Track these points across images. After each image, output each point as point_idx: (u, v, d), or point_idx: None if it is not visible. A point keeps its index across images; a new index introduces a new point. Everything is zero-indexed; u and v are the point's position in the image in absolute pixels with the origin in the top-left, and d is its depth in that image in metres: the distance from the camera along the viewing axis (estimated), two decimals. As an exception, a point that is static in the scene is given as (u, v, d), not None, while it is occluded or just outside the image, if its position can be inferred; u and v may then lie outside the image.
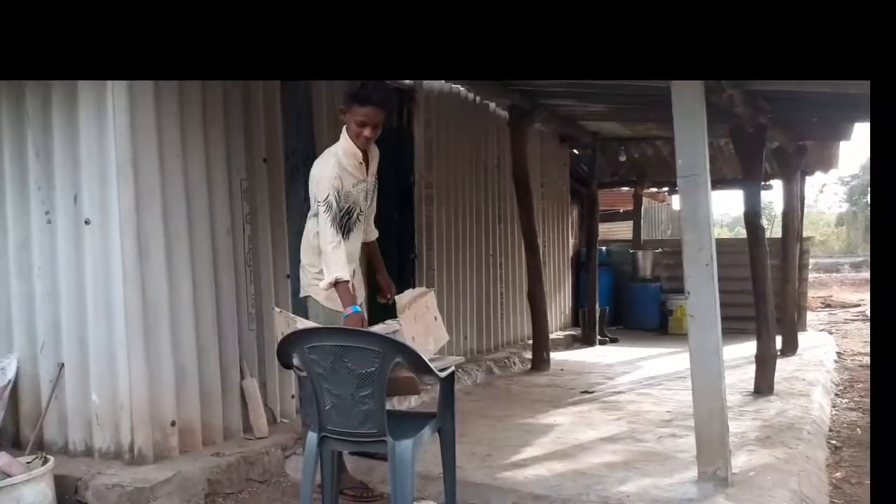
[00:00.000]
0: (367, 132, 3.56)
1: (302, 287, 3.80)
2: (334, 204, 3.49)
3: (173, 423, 4.02)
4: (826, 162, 9.95)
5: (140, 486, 3.55)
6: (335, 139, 5.37)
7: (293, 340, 3.01)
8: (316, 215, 3.58)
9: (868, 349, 9.10)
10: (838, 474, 4.18)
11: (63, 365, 4.08)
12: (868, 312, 13.27)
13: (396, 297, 3.30)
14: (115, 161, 3.85)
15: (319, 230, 3.53)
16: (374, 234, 3.98)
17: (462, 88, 7.24)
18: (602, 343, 9.53)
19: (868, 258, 26.54)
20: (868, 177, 32.76)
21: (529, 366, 7.58)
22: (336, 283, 3.43)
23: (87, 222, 3.97)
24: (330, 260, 3.46)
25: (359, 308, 3.49)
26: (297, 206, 4.35)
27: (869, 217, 32.66)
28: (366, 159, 3.70)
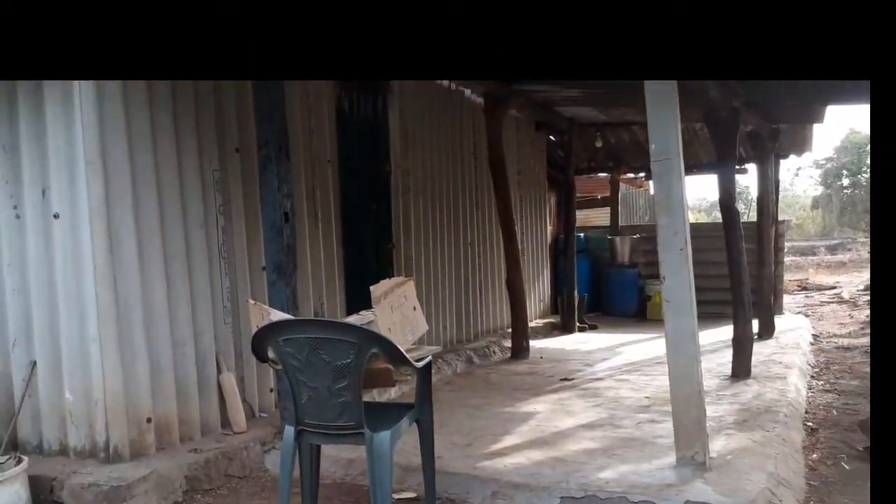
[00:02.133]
0: None
1: None
2: None
3: (149, 420, 3.97)
4: (800, 144, 10.03)
5: (117, 485, 3.50)
6: (308, 129, 5.38)
7: (267, 333, 2.97)
8: None
9: (843, 331, 9.22)
10: (814, 456, 4.22)
11: (35, 363, 4.02)
12: (843, 294, 13.45)
13: (371, 288, 3.27)
14: (83, 154, 3.78)
15: None
16: None
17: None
18: (581, 330, 9.56)
19: (842, 241, 26.93)
20: (842, 159, 33.16)
21: (509, 354, 7.58)
22: None
23: (55, 216, 3.90)
24: None
25: None
26: (271, 197, 4.30)
27: (843, 200, 33.10)
28: None
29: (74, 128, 3.81)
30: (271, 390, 4.85)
